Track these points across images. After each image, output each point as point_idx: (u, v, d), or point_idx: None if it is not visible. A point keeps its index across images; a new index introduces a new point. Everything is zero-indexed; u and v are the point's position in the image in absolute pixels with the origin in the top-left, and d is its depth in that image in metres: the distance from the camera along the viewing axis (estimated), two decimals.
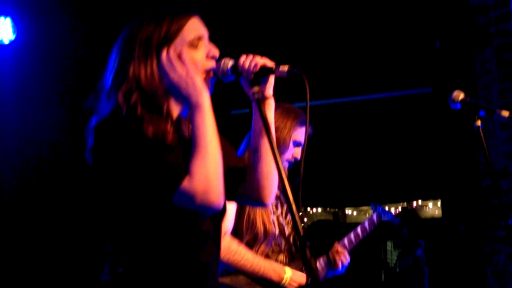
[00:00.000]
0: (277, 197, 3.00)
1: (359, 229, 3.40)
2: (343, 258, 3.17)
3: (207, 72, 1.90)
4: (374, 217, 3.56)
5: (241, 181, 2.02)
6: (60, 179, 5.83)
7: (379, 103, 6.41)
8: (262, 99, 1.88)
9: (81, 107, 1.95)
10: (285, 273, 2.85)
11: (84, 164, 1.87)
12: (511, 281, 3.97)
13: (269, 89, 1.96)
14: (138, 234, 1.81)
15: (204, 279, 1.88)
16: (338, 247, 3.20)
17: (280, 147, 2.90)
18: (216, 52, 1.92)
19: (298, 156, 2.99)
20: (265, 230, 2.86)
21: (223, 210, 1.88)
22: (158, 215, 1.79)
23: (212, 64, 1.91)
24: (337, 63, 5.88)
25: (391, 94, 6.16)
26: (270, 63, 1.89)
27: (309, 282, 2.81)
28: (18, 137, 5.90)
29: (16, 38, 5.84)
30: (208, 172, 1.72)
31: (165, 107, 1.86)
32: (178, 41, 1.87)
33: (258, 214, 2.84)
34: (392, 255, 7.94)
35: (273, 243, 2.91)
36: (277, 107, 2.77)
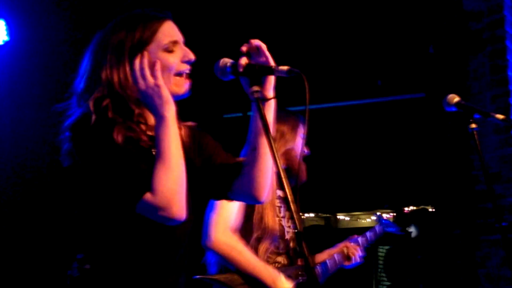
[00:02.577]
0: (283, 201, 3.01)
1: (359, 239, 3.39)
2: (357, 254, 3.26)
3: (181, 75, 1.91)
4: (378, 229, 3.55)
5: (233, 177, 1.99)
6: (51, 175, 5.83)
7: (372, 108, 6.42)
8: (262, 99, 1.84)
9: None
10: (279, 281, 2.81)
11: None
12: (503, 285, 3.98)
13: (269, 90, 1.92)
14: (106, 235, 1.84)
15: (174, 276, 1.91)
16: (350, 244, 3.29)
17: (295, 144, 3.06)
18: (191, 56, 1.93)
19: (306, 148, 3.13)
20: (271, 227, 2.86)
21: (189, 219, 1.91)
22: (125, 219, 1.81)
23: (186, 67, 1.92)
24: (331, 68, 5.89)
25: (384, 99, 6.17)
26: (270, 62, 1.87)
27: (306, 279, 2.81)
28: (11, 136, 5.92)
29: (10, 39, 5.85)
30: (170, 187, 1.73)
31: (136, 112, 1.87)
32: (152, 47, 1.88)
33: (266, 211, 2.85)
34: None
35: (273, 244, 2.91)
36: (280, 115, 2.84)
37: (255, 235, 2.85)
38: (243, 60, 1.87)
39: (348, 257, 3.23)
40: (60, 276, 1.97)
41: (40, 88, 6.05)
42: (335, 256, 3.21)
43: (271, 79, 1.92)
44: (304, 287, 2.86)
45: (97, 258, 1.85)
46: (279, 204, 2.99)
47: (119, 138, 1.76)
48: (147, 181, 1.72)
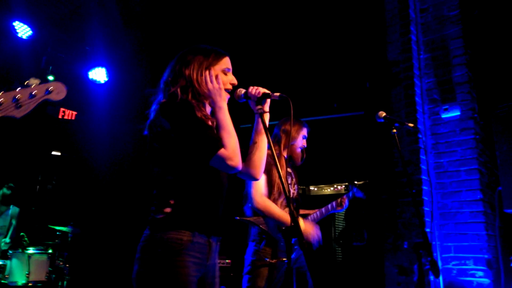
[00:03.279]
0: (289, 174, 3.02)
1: (345, 196, 3.37)
2: (344, 203, 3.28)
3: (226, 91, 1.92)
4: (350, 194, 3.49)
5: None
6: (133, 163, 5.87)
7: (332, 121, 6.42)
8: (262, 113, 1.89)
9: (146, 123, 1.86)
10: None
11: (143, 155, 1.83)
12: (413, 230, 3.98)
13: (267, 107, 1.96)
14: (182, 185, 1.73)
15: (220, 211, 1.85)
16: (341, 200, 3.29)
17: (296, 141, 3.06)
18: (235, 82, 1.95)
19: (305, 144, 3.12)
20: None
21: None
22: (199, 171, 1.74)
23: (230, 87, 1.93)
24: (310, 97, 5.92)
25: (339, 115, 6.18)
26: (268, 91, 1.91)
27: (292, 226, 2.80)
28: (109, 138, 5.95)
29: (108, 79, 5.88)
30: (235, 145, 1.72)
31: (207, 102, 1.87)
32: (217, 67, 1.90)
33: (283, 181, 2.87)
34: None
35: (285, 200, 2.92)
36: (288, 120, 2.82)
37: (275, 197, 2.85)
38: (254, 90, 1.92)
39: (340, 205, 3.23)
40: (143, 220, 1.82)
41: (126, 110, 6.08)
42: (333, 203, 3.22)
43: (268, 101, 1.95)
44: (290, 230, 2.86)
45: (175, 203, 1.71)
46: (287, 175, 2.99)
47: (198, 113, 1.75)
48: (219, 141, 1.69)
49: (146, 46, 5.99)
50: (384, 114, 2.70)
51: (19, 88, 1.35)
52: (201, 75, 1.85)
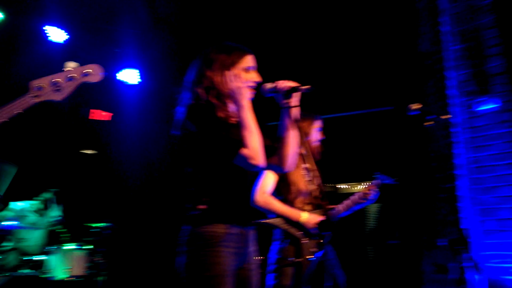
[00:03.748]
0: (308, 170, 2.94)
1: (362, 192, 3.16)
2: (371, 194, 3.05)
3: (250, 88, 1.91)
4: (376, 182, 3.26)
5: (270, 156, 1.97)
6: (163, 162, 5.95)
7: (362, 116, 6.29)
8: (289, 107, 1.90)
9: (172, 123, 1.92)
10: (301, 216, 2.78)
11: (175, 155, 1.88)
12: (449, 227, 3.88)
13: (295, 101, 1.94)
14: (213, 183, 1.83)
15: (249, 205, 1.93)
16: (366, 190, 3.08)
17: (311, 135, 2.97)
18: (259, 79, 1.94)
19: (321, 136, 3.03)
20: (303, 189, 2.83)
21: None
22: (226, 169, 1.82)
23: (253, 84, 1.92)
24: (335, 92, 5.84)
25: (370, 110, 6.06)
26: (296, 84, 1.90)
27: (322, 220, 2.75)
28: (139, 137, 6.07)
29: (141, 81, 5.98)
30: (256, 144, 1.77)
31: (228, 101, 1.90)
32: (239, 66, 1.92)
33: (298, 180, 2.83)
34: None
35: (305, 198, 2.87)
36: (302, 116, 2.76)
37: (293, 195, 2.83)
38: (281, 84, 1.91)
39: (365, 196, 3.04)
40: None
41: (157, 111, 6.16)
42: (357, 194, 3.06)
43: (297, 95, 1.93)
44: (324, 225, 2.80)
45: (210, 200, 1.82)
46: (305, 172, 2.91)
47: (221, 115, 1.83)
48: (240, 142, 1.75)
49: (176, 47, 6.04)
50: (416, 106, 2.62)
51: (58, 72, 1.40)
52: (223, 75, 1.88)
